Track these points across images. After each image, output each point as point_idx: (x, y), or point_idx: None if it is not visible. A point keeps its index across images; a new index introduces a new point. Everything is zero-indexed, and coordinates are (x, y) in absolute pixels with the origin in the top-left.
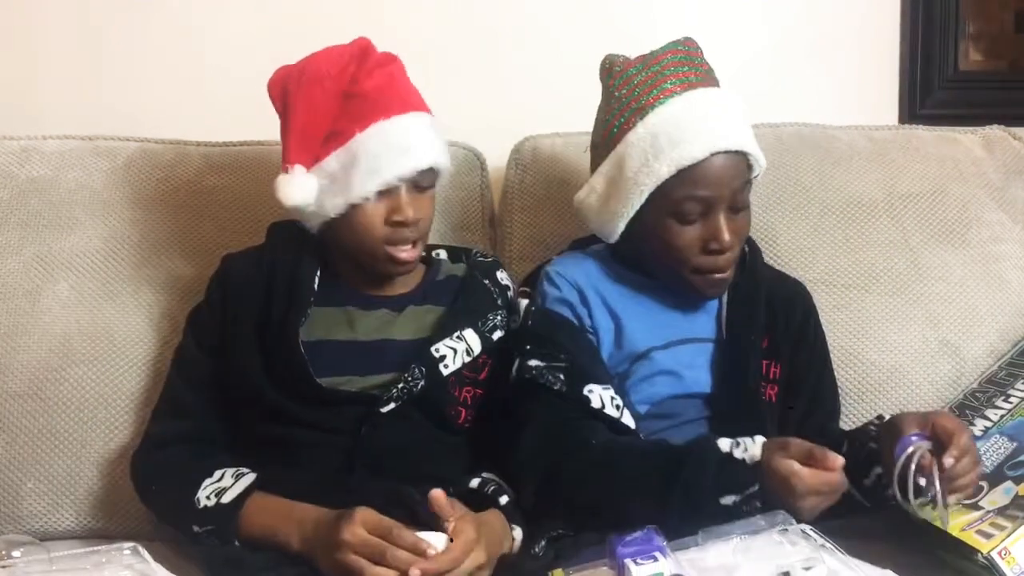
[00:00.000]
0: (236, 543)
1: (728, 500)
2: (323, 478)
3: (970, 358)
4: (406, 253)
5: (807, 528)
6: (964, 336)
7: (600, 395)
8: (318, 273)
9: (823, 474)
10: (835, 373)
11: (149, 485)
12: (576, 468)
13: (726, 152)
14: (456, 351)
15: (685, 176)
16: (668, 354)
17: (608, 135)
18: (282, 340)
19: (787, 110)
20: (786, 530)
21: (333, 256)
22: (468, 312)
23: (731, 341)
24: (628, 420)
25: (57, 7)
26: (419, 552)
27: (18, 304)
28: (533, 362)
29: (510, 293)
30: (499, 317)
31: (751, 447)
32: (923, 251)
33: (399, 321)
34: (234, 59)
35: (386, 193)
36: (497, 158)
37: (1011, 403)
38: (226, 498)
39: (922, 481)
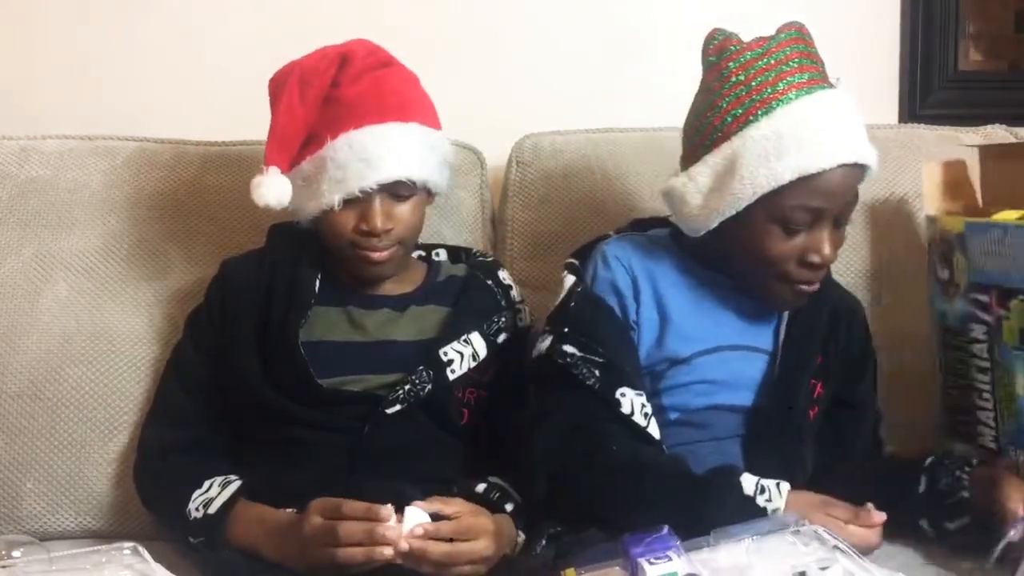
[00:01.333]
0: (228, 551)
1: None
2: (324, 478)
3: None
4: (376, 254)
5: (820, 529)
6: None
7: (632, 400)
8: (319, 274)
9: (864, 533)
10: None
11: (150, 497)
12: (593, 477)
13: (849, 165)
14: (463, 355)
15: (804, 184)
16: (714, 360)
17: (721, 122)
18: (281, 341)
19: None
20: (799, 531)
21: (328, 256)
22: (473, 314)
23: (786, 357)
24: (654, 430)
25: (57, 7)
26: (371, 517)
27: (17, 304)
28: (570, 348)
29: (512, 292)
30: (503, 319)
31: (775, 498)
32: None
33: (402, 321)
34: (234, 59)
35: (356, 201)
36: (497, 157)
37: None
38: (212, 508)
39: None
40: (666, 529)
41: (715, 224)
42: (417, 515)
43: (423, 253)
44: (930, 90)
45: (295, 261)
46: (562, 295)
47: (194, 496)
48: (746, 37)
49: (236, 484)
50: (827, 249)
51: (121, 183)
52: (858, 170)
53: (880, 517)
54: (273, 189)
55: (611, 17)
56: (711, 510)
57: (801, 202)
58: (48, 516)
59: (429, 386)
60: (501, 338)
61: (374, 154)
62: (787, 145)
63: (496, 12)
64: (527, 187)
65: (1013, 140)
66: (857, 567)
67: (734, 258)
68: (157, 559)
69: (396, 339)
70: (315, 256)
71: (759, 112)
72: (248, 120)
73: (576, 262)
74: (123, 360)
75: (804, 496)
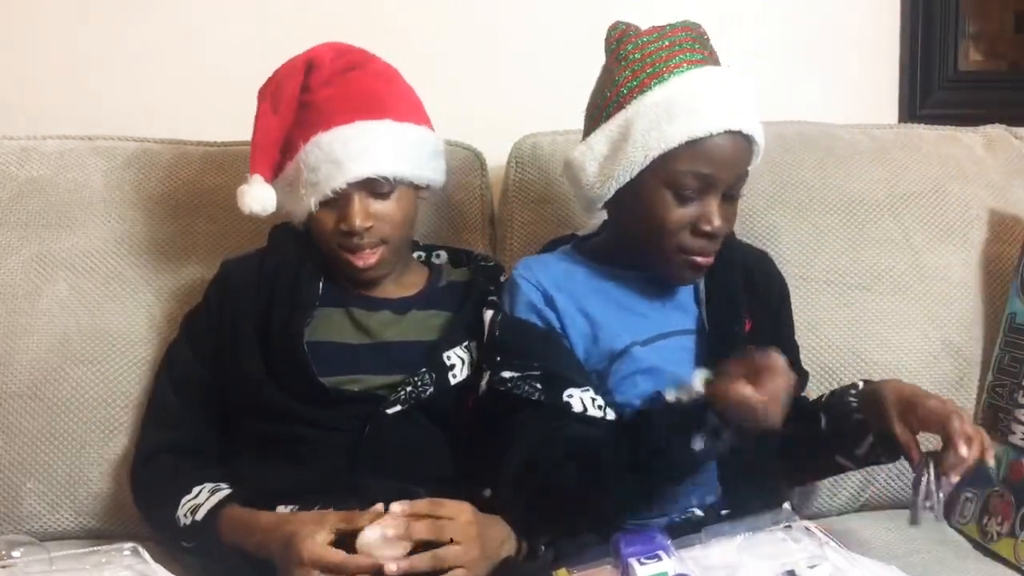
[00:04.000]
0: (222, 554)
1: (697, 444)
2: (325, 477)
3: (971, 358)
4: (361, 260)
5: (811, 525)
6: (966, 336)
7: (580, 398)
8: (322, 275)
9: (773, 383)
10: (837, 372)
11: (141, 501)
12: (569, 481)
13: (737, 133)
14: (465, 361)
15: (693, 148)
16: (649, 351)
17: (616, 95)
18: (285, 342)
19: (787, 110)
20: (790, 527)
21: (326, 258)
22: (472, 320)
23: (714, 331)
24: (612, 418)
25: (57, 7)
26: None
27: (17, 304)
28: (507, 373)
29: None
30: None
31: (694, 384)
32: (925, 251)
33: (403, 323)
34: (234, 60)
35: (334, 202)
36: (497, 157)
37: None
38: (199, 515)
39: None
40: (657, 529)
41: (611, 193)
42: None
43: (423, 255)
44: (930, 90)
45: (298, 262)
46: (486, 331)
47: (183, 502)
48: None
49: (225, 492)
50: (717, 219)
51: (121, 183)
52: (746, 142)
53: (778, 359)
54: (253, 197)
55: (611, 16)
56: (653, 433)
57: (690, 167)
58: (48, 516)
59: (431, 389)
60: None
61: (341, 154)
62: (677, 110)
63: (496, 12)
64: (527, 187)
65: (1013, 140)
66: (847, 563)
67: (631, 235)
68: (157, 559)
69: (398, 340)
70: (317, 257)
71: (653, 83)
72: (248, 121)
73: (495, 298)
74: (123, 360)
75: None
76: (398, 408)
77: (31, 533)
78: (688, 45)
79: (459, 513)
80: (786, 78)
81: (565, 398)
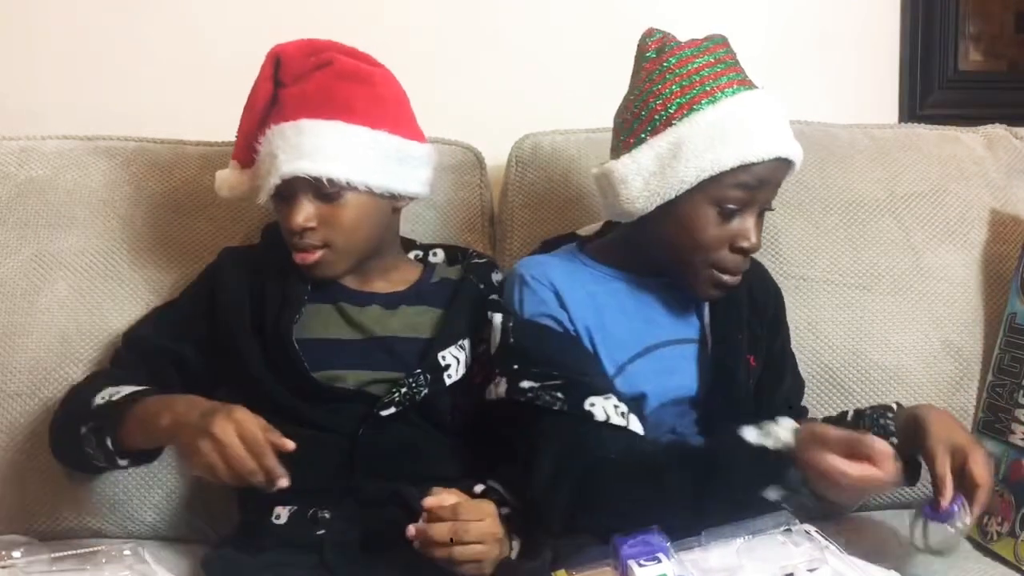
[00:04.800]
0: (110, 446)
1: (773, 494)
2: (320, 478)
3: (972, 358)
4: (299, 256)
5: (810, 529)
6: (966, 336)
7: (603, 407)
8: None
9: (870, 472)
10: (837, 373)
11: (57, 415)
12: (606, 492)
13: (783, 158)
14: (460, 360)
15: (742, 171)
16: (649, 360)
17: (664, 109)
18: (276, 338)
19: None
20: (789, 530)
21: None
22: (465, 320)
23: (717, 342)
24: (636, 426)
25: (57, 7)
26: (277, 446)
27: (17, 304)
28: (526, 383)
29: (493, 297)
30: None
31: (780, 433)
32: (925, 251)
33: (394, 319)
34: (233, 59)
35: (286, 197)
36: (497, 156)
37: None
38: (116, 396)
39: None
40: (656, 530)
41: (652, 208)
42: None
43: (420, 254)
44: (930, 90)
45: (286, 260)
46: (498, 336)
47: (106, 389)
48: (733, 41)
49: (154, 390)
50: (754, 236)
51: (120, 183)
52: (786, 165)
53: (886, 451)
54: (225, 181)
55: (611, 15)
56: (726, 474)
57: (736, 188)
58: (48, 516)
59: (425, 390)
60: (491, 347)
61: (279, 149)
62: (732, 134)
63: (496, 12)
64: (527, 186)
65: (1013, 140)
66: (847, 566)
67: (662, 247)
68: (157, 559)
69: (388, 335)
70: None
71: (704, 101)
72: None
73: (498, 299)
74: None
75: (805, 432)
76: (392, 410)
77: (31, 533)
78: (731, 63)
79: (484, 514)
80: (786, 78)
81: (587, 407)
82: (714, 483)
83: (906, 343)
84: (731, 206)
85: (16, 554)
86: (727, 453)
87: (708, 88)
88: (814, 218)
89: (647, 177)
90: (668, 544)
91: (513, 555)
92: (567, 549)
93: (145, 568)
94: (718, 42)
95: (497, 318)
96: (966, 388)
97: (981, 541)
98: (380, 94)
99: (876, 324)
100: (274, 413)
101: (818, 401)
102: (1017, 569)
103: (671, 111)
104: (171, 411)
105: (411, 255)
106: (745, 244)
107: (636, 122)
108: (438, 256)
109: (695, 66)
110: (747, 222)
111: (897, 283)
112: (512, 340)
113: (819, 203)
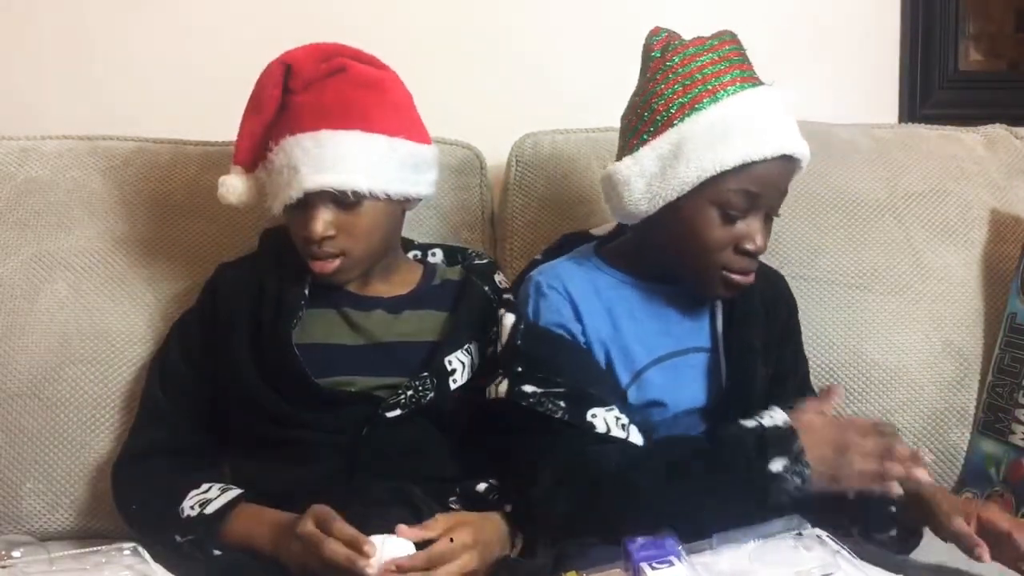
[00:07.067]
0: (216, 552)
1: (777, 465)
2: (324, 480)
3: (972, 358)
4: (318, 265)
5: (822, 534)
6: (967, 336)
7: (604, 419)
8: (309, 277)
9: (872, 438)
10: (838, 373)
11: (130, 495)
12: (605, 504)
13: (788, 157)
14: (465, 364)
15: (745, 170)
16: (660, 371)
17: (666, 109)
18: (275, 345)
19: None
20: (800, 535)
21: None
22: (473, 323)
23: (731, 350)
24: (636, 438)
25: (57, 7)
26: (356, 547)
27: (17, 304)
28: (528, 388)
29: (506, 297)
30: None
31: (775, 415)
32: (926, 251)
33: (397, 322)
34: (233, 59)
35: (301, 206)
36: (497, 156)
37: None
38: (209, 509)
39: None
40: (668, 533)
41: (656, 209)
42: (397, 545)
43: (419, 254)
44: (930, 90)
45: (284, 266)
46: (506, 334)
47: (191, 494)
48: (745, 38)
49: (237, 492)
50: (760, 238)
51: (120, 183)
52: (792, 164)
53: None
54: (232, 188)
55: (611, 16)
56: (731, 455)
57: (740, 188)
58: (48, 516)
59: (431, 393)
60: (497, 347)
61: (301, 162)
62: (734, 132)
63: (496, 12)
64: (527, 186)
65: (1014, 140)
66: (859, 572)
67: (669, 249)
68: (157, 559)
69: (394, 340)
70: (304, 260)
71: (706, 100)
72: None
73: (512, 298)
74: (121, 360)
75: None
76: (398, 412)
77: (31, 533)
78: (737, 61)
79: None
80: (786, 78)
81: (589, 418)
82: (719, 468)
83: (906, 343)
84: (734, 211)
85: (16, 554)
86: (729, 436)
87: (710, 87)
88: (814, 218)
89: (649, 179)
90: (680, 547)
91: (514, 552)
92: (571, 549)
93: (145, 568)
94: (725, 39)
95: (508, 318)
96: (966, 388)
97: None
98: (393, 100)
99: (876, 324)
100: (274, 419)
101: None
102: (1017, 569)
103: (672, 111)
104: (269, 537)
105: (409, 255)
106: (750, 247)
107: (640, 123)
108: (437, 256)
109: (697, 64)
110: (752, 224)
111: (897, 283)
112: (520, 343)
113: (819, 203)
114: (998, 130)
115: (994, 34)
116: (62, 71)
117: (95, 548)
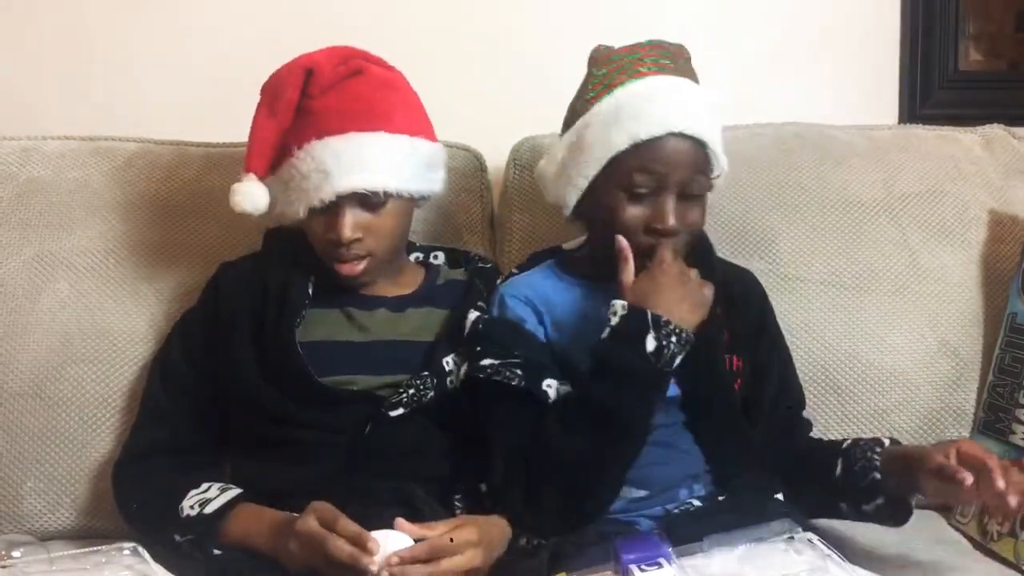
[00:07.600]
0: (215, 552)
1: (650, 343)
2: (325, 478)
3: (969, 359)
4: (346, 268)
5: (813, 537)
6: (963, 337)
7: (559, 390)
8: (312, 277)
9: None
10: (834, 374)
11: (131, 495)
12: (561, 464)
13: (682, 136)
14: (460, 365)
15: (640, 151)
16: None
17: (582, 108)
18: (276, 342)
19: (787, 110)
20: (792, 538)
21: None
22: None
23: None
24: None
25: (57, 7)
26: (360, 544)
27: (18, 304)
28: (487, 361)
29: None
30: None
31: (613, 306)
32: (922, 251)
33: (401, 321)
34: (235, 60)
35: (325, 209)
36: (497, 158)
37: None
38: (209, 508)
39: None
40: (658, 535)
41: (575, 197)
42: (399, 540)
43: (420, 256)
44: (930, 90)
45: (288, 265)
46: (467, 330)
47: (190, 494)
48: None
49: (237, 491)
50: (670, 218)
51: (122, 184)
52: (696, 146)
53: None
54: (248, 196)
55: (611, 17)
56: (615, 377)
57: (638, 166)
58: (48, 515)
59: (432, 392)
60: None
61: (332, 165)
62: (623, 116)
63: (496, 14)
64: (526, 189)
65: (1012, 140)
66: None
67: (598, 242)
68: (157, 559)
69: (396, 339)
70: (309, 259)
71: (605, 93)
72: (249, 121)
73: (483, 304)
74: (124, 359)
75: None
76: (400, 411)
77: (31, 532)
78: (653, 59)
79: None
80: (786, 78)
81: (544, 386)
82: (611, 383)
83: (903, 344)
84: (640, 190)
85: (16, 554)
86: (599, 355)
87: (612, 81)
88: (811, 219)
89: (558, 169)
90: (670, 549)
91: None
92: (567, 549)
93: (145, 568)
94: (656, 43)
95: (472, 314)
96: (963, 388)
97: (981, 541)
98: (408, 100)
99: (873, 325)
100: (275, 417)
101: (815, 403)
102: (1017, 569)
103: (581, 106)
104: (268, 535)
105: (411, 257)
106: (659, 225)
107: (565, 127)
108: (439, 259)
109: (614, 65)
110: (662, 204)
111: (894, 284)
112: (481, 327)
113: (816, 204)
114: (996, 130)
115: (994, 34)
116: (62, 71)
117: (95, 548)
